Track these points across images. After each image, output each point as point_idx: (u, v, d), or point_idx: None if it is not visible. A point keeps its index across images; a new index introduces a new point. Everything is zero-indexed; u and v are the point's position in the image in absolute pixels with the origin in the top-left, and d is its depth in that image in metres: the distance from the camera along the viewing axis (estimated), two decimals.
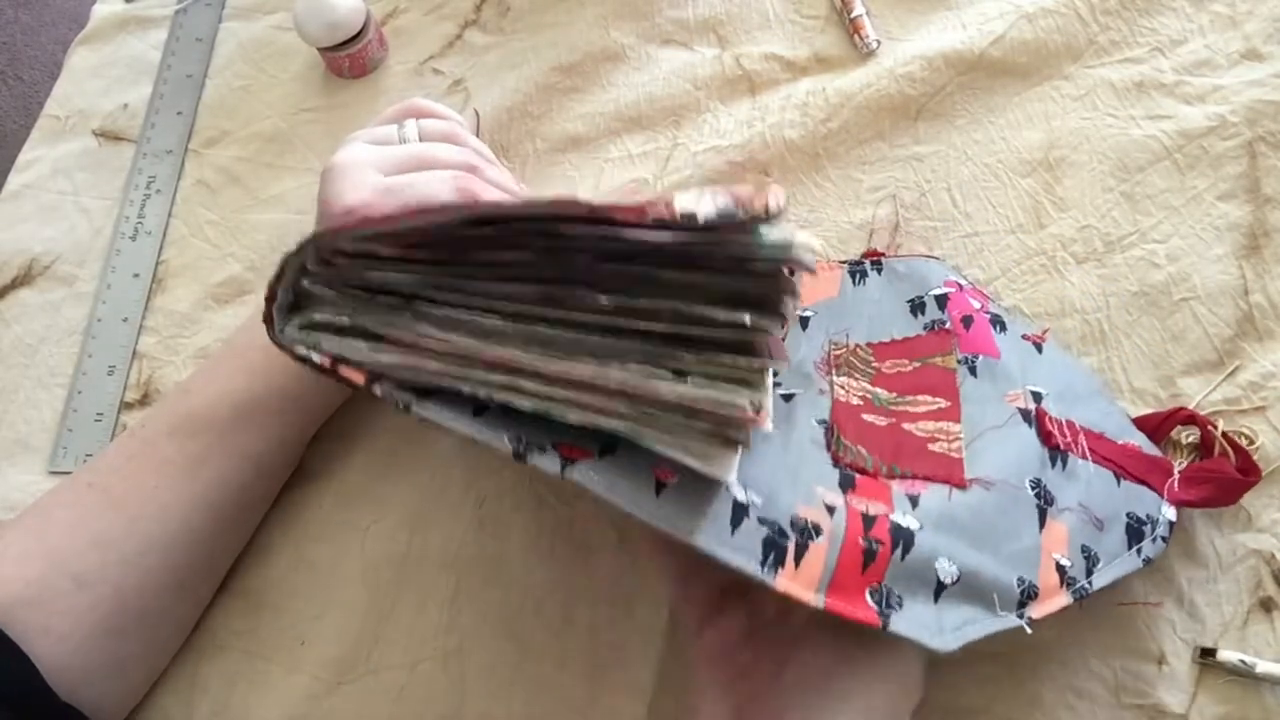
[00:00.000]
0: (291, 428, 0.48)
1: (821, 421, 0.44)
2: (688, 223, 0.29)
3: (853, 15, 0.58)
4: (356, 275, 0.33)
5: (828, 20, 0.60)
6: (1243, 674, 0.41)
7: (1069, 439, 0.43)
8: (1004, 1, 0.56)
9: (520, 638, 0.47)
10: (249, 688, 0.48)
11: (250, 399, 0.47)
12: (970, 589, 0.38)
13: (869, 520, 0.38)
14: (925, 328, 0.48)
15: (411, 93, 0.63)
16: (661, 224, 0.29)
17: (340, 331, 0.34)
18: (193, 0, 0.70)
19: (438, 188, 0.41)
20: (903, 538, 0.38)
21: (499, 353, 0.32)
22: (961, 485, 0.41)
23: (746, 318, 0.30)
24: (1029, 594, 0.38)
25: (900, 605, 0.36)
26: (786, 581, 0.35)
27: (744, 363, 0.31)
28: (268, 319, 0.34)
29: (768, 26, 0.60)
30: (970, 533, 0.39)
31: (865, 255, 0.52)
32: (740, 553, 0.34)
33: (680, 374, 0.31)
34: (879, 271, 0.51)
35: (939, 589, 0.37)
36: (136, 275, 0.60)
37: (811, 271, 0.30)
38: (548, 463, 0.32)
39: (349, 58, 0.63)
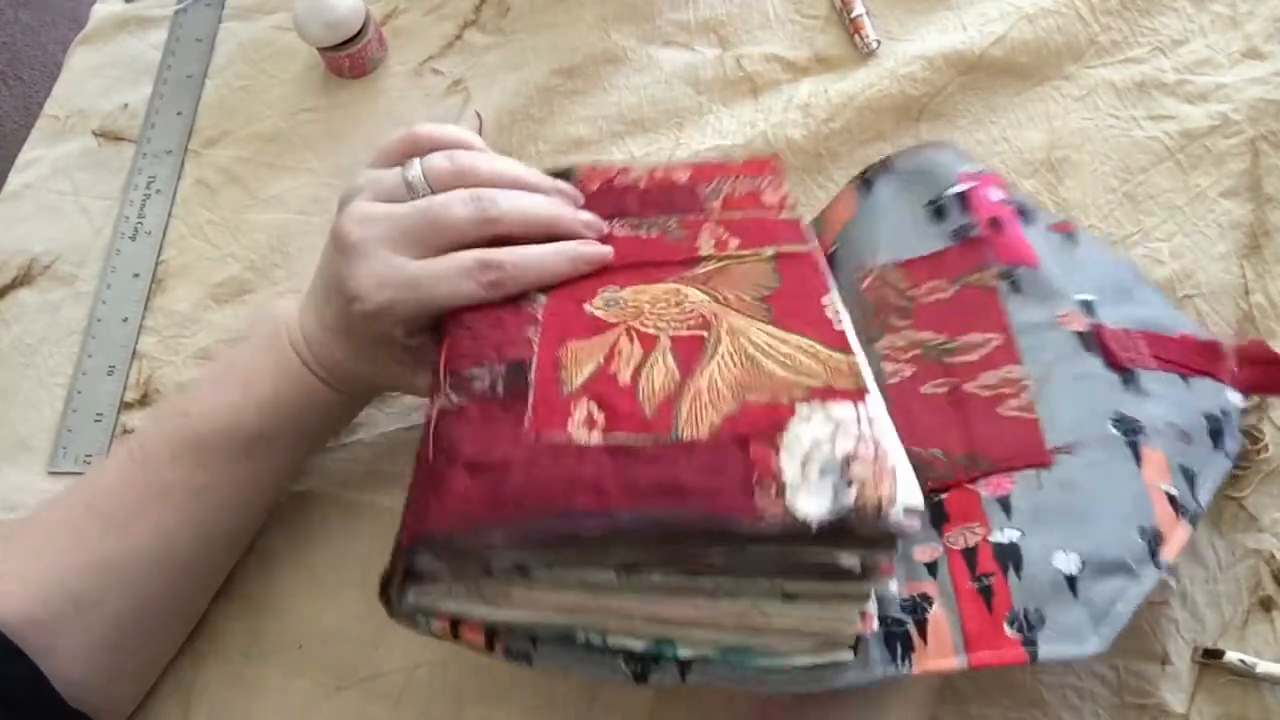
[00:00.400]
0: (297, 454, 0.48)
1: None
2: (802, 526, 0.30)
3: (853, 15, 0.58)
4: (467, 551, 0.33)
5: (828, 20, 0.60)
6: (1242, 674, 0.41)
7: (1131, 351, 0.41)
8: (1004, 2, 0.56)
9: None
10: (247, 691, 0.48)
11: (258, 434, 0.45)
12: (1101, 566, 0.36)
13: (971, 556, 0.38)
14: (953, 237, 0.45)
15: (411, 93, 0.63)
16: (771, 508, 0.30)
17: (455, 594, 0.34)
18: (193, 0, 0.70)
19: (462, 285, 0.40)
20: (1009, 556, 0.37)
21: (611, 603, 0.33)
22: (1045, 464, 0.39)
23: (856, 561, 0.31)
24: (1155, 540, 0.36)
25: (1041, 621, 0.35)
26: (923, 663, 0.35)
27: (852, 586, 0.32)
28: (385, 601, 0.34)
29: (768, 27, 0.60)
30: (1073, 511, 0.38)
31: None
32: (872, 667, 0.35)
33: (790, 598, 0.32)
34: (888, 172, 0.48)
35: (1070, 582, 0.36)
36: (136, 275, 0.60)
37: (913, 533, 0.31)
38: (668, 677, 0.34)
39: (349, 58, 0.63)
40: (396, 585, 0.33)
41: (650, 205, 0.46)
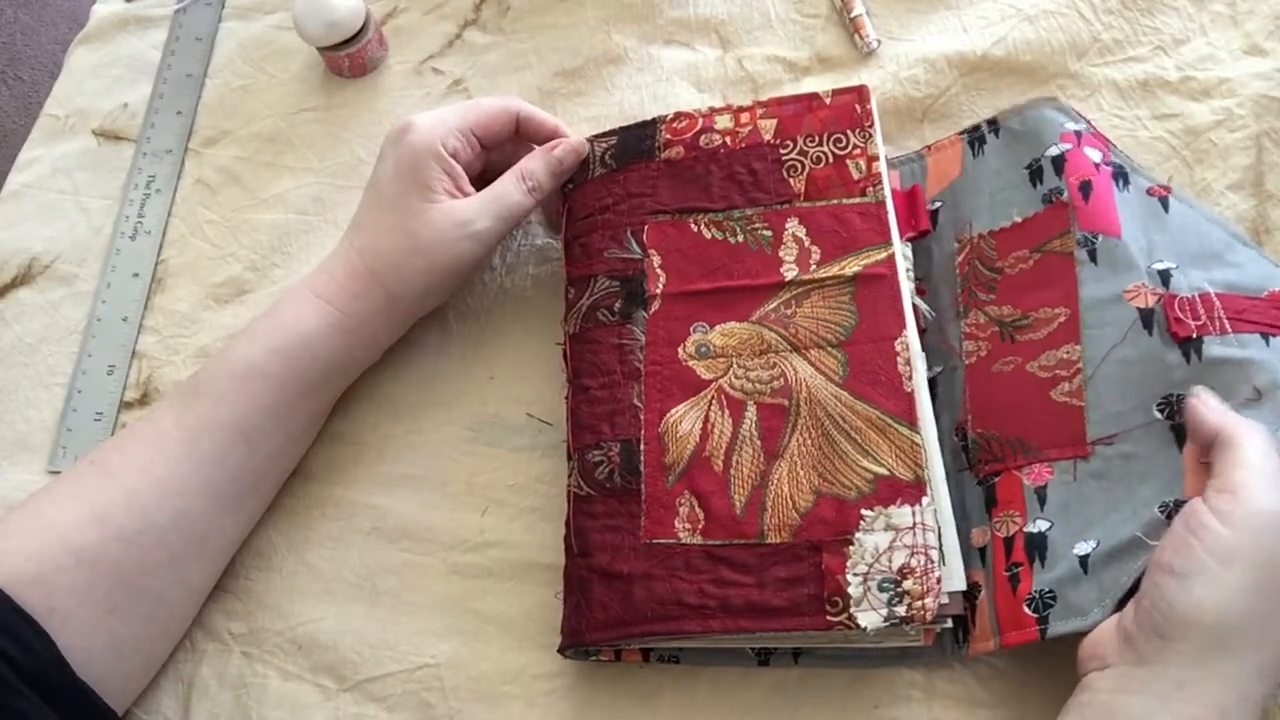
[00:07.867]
0: (283, 397, 0.48)
1: (958, 432, 0.44)
2: (862, 631, 0.39)
3: (853, 15, 0.58)
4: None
5: (828, 20, 0.59)
6: None
7: (1204, 318, 0.40)
8: (1004, 3, 0.56)
9: (520, 644, 0.47)
10: (246, 692, 0.48)
11: (246, 365, 0.47)
12: (1116, 548, 0.38)
13: (1009, 545, 0.40)
14: (1044, 200, 0.45)
15: (411, 92, 0.63)
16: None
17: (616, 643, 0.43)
18: (192, 0, 0.70)
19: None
20: (1037, 547, 0.40)
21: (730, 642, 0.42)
22: (1084, 455, 0.40)
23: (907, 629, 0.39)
24: (1179, 508, 0.37)
25: (1054, 601, 0.38)
26: (973, 645, 0.41)
27: (911, 631, 0.39)
28: (562, 654, 0.44)
29: (769, 26, 0.60)
30: (1101, 503, 0.39)
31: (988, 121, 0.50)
32: (944, 648, 0.41)
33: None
34: (997, 134, 0.49)
35: (1083, 562, 0.38)
36: (136, 275, 0.60)
37: (943, 626, 0.40)
38: (784, 660, 0.42)
39: (348, 57, 0.63)
40: (568, 652, 0.43)
41: (733, 183, 0.49)
